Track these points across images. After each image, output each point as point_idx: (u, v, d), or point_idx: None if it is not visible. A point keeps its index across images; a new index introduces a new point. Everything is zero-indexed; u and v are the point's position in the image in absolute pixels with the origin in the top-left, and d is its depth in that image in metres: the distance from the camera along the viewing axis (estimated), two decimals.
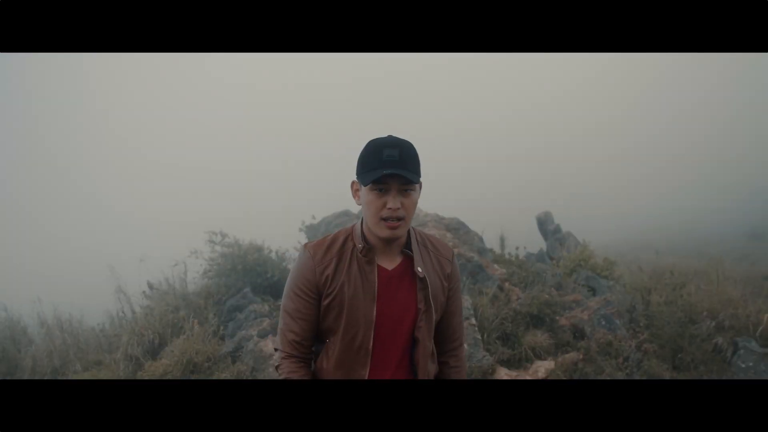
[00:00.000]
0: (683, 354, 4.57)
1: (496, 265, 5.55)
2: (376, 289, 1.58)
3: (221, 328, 4.76)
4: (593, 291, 5.80)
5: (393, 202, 1.51)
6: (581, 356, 4.00)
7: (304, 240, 6.55)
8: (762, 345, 4.91)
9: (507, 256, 6.31)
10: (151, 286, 6.28)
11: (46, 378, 5.72)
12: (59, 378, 5.61)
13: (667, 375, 4.07)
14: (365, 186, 1.52)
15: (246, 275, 5.61)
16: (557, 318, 4.53)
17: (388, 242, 1.60)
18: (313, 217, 6.66)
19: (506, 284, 5.09)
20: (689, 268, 8.62)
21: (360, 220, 1.66)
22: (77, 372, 5.64)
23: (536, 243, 9.63)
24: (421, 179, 1.62)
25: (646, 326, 4.65)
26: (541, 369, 3.96)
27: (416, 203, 1.59)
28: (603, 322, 4.46)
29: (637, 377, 3.85)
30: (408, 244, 1.65)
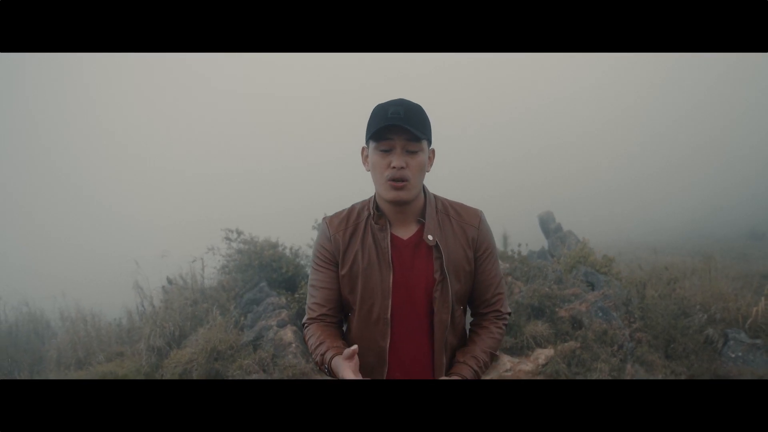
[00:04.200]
0: (675, 344, 4.85)
1: (499, 261, 5.84)
2: (390, 257, 1.54)
3: (242, 318, 5.06)
4: (592, 286, 6.09)
5: (397, 160, 1.46)
6: (579, 345, 4.29)
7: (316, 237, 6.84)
8: (751, 336, 5.20)
9: (510, 253, 6.59)
10: (170, 281, 6.59)
11: (71, 368, 6.04)
12: (84, 367, 5.92)
13: (659, 362, 4.36)
14: (370, 143, 1.50)
15: (262, 270, 5.90)
16: (557, 310, 4.82)
17: (400, 208, 1.55)
18: (325, 215, 6.96)
19: (509, 278, 5.39)
20: (686, 265, 8.91)
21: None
22: (101, 362, 5.96)
23: (538, 241, 9.94)
24: (433, 147, 1.57)
25: (640, 318, 4.94)
26: (541, 356, 4.26)
27: (423, 166, 1.52)
28: (600, 314, 4.75)
29: (630, 363, 4.14)
30: (423, 213, 1.60)
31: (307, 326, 1.62)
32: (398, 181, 1.48)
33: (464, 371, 1.55)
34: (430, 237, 1.55)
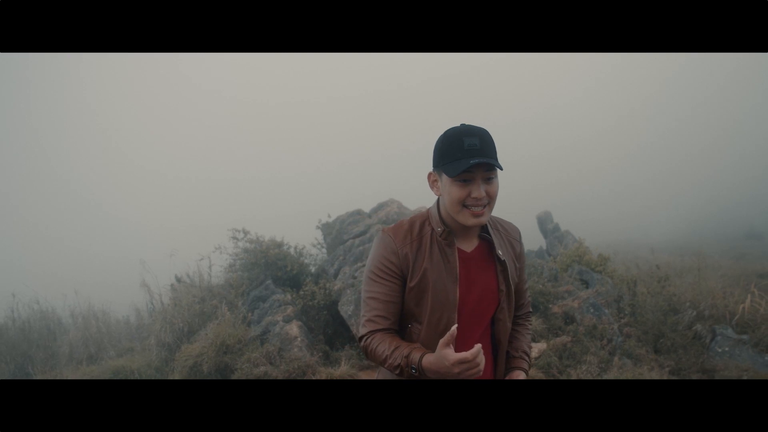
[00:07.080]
0: (664, 339, 5.05)
1: None
2: (457, 271, 1.59)
3: (249, 314, 5.28)
4: (586, 284, 6.30)
5: (477, 191, 1.50)
6: (570, 339, 4.50)
7: (320, 236, 7.07)
8: (738, 332, 5.39)
9: None
10: (178, 280, 6.82)
11: (83, 362, 6.26)
12: (96, 362, 6.14)
13: (647, 356, 4.56)
14: (451, 177, 1.50)
15: (267, 269, 6.12)
16: (551, 306, 5.03)
17: (467, 227, 1.59)
18: (329, 216, 7.18)
19: None
20: (683, 264, 9.10)
21: (435, 204, 1.66)
22: (112, 357, 6.19)
23: (537, 241, 10.18)
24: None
25: (630, 314, 5.14)
26: (534, 350, 4.46)
27: (498, 189, 1.57)
28: (591, 310, 4.96)
29: (617, 356, 4.35)
30: (485, 228, 1.67)
31: (368, 338, 1.60)
32: (479, 208, 1.53)
33: (524, 365, 1.76)
34: (500, 252, 1.65)
